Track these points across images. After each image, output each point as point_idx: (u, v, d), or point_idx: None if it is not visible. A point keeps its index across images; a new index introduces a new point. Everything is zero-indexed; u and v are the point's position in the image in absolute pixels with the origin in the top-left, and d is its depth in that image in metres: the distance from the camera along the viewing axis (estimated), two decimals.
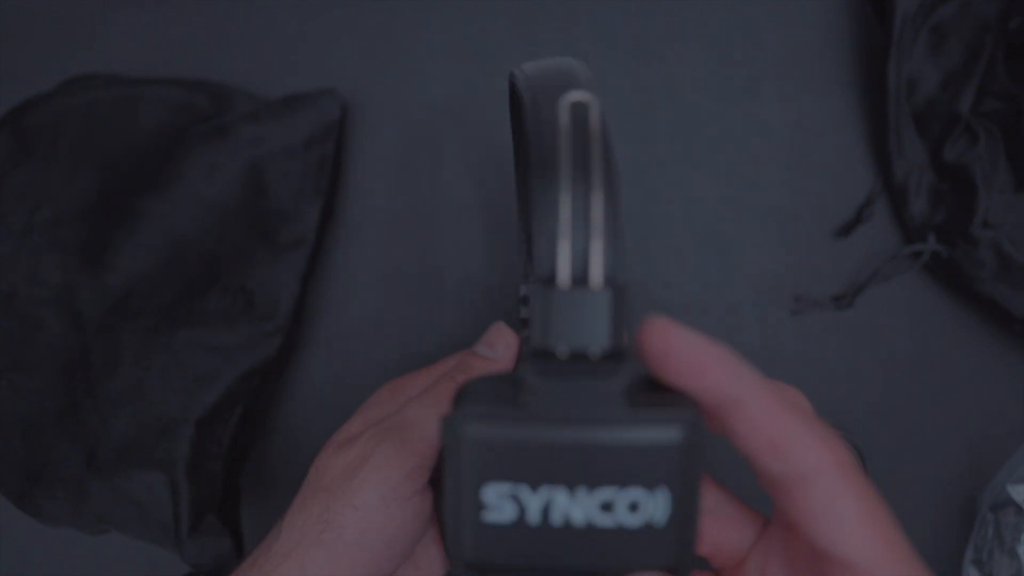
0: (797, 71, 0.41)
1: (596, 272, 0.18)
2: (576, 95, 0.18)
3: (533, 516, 0.18)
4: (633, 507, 0.18)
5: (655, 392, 0.19)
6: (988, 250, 0.36)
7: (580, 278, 0.18)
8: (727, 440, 0.19)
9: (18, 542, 0.39)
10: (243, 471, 0.37)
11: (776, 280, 0.39)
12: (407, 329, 0.39)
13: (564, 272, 0.18)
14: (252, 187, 0.38)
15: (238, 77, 0.42)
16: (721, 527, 0.22)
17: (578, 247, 0.18)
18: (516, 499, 0.18)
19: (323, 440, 0.38)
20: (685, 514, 0.18)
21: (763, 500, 0.21)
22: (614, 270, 0.18)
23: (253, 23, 0.43)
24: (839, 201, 0.40)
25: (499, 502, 0.18)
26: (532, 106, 0.19)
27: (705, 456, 0.18)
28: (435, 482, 0.27)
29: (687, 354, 0.18)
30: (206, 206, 0.37)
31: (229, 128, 0.38)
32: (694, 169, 0.40)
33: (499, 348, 0.30)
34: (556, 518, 0.18)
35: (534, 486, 0.17)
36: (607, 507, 0.18)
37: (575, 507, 0.18)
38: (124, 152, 0.39)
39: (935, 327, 0.39)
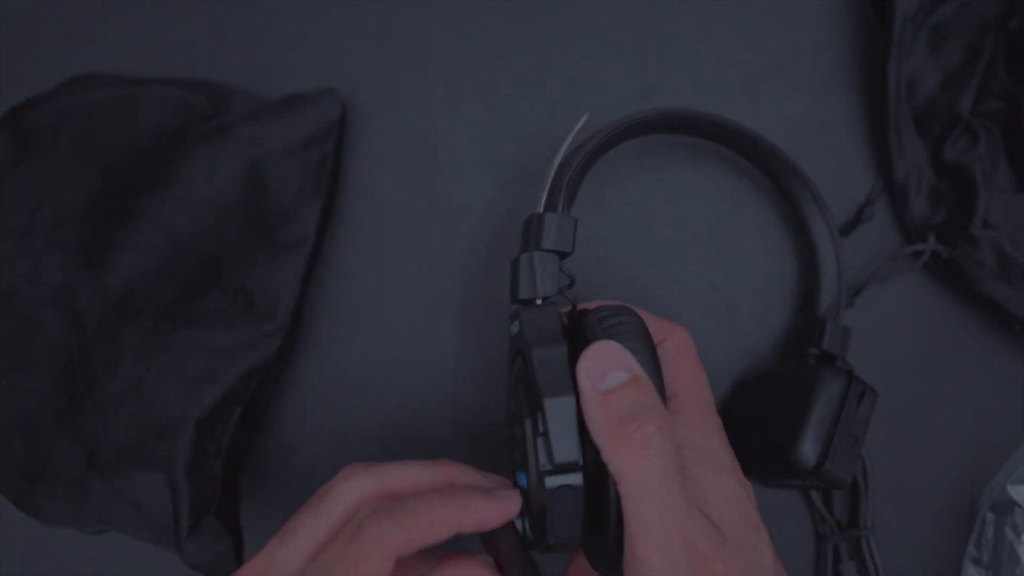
0: (797, 71, 0.41)
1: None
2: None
3: None
4: None
5: None
6: (988, 250, 0.36)
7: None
8: None
9: (18, 542, 0.39)
10: (243, 471, 0.37)
11: (776, 280, 0.39)
12: (407, 329, 0.39)
13: None
14: (252, 187, 0.38)
15: (238, 77, 0.42)
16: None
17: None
18: None
19: (323, 440, 0.38)
20: None
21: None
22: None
23: (253, 23, 0.43)
24: (839, 201, 0.40)
25: None
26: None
27: None
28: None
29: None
30: (206, 206, 0.37)
31: (229, 128, 0.38)
32: (694, 169, 0.40)
33: None
34: None
35: None
36: None
37: None
38: (124, 152, 0.39)
39: (935, 327, 0.39)
